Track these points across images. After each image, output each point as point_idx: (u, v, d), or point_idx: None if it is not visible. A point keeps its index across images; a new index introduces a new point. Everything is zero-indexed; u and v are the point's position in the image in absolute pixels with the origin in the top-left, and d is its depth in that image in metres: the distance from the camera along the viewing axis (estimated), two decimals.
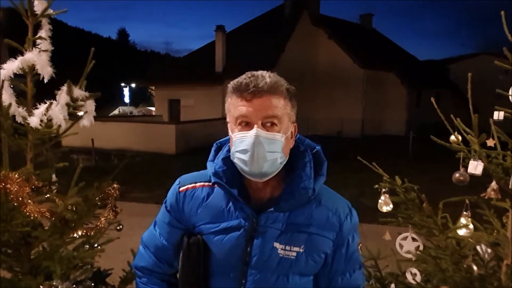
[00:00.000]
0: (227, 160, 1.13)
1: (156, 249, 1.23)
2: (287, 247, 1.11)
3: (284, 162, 1.10)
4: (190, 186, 1.19)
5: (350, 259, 1.19)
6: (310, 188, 1.10)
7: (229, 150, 1.14)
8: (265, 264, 1.10)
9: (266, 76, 1.06)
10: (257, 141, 1.02)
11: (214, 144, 1.23)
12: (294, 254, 1.11)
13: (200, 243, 1.15)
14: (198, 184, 1.18)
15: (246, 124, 1.05)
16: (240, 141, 1.05)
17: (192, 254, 1.15)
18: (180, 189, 1.19)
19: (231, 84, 1.08)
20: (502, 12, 1.75)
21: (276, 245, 1.10)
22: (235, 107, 1.07)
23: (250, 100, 1.04)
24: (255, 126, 1.03)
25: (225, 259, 1.13)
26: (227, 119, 1.12)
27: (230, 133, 1.11)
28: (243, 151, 1.04)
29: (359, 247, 1.23)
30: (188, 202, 1.17)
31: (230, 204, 1.13)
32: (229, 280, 1.13)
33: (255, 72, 1.08)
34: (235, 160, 1.08)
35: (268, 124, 1.05)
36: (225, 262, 1.13)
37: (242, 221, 1.11)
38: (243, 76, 1.08)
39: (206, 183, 1.18)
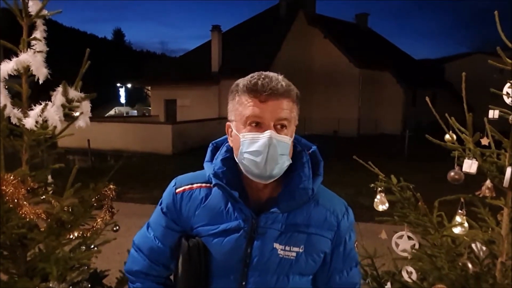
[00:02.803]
0: (226, 160, 1.12)
1: (151, 251, 1.21)
2: (287, 248, 1.11)
3: (289, 164, 1.09)
4: (187, 187, 1.17)
5: (347, 257, 1.20)
6: (310, 189, 1.11)
7: (227, 151, 1.14)
8: (266, 265, 1.10)
9: (279, 79, 1.06)
10: (271, 143, 1.02)
11: (210, 145, 1.21)
12: (294, 254, 1.11)
13: (200, 246, 1.14)
14: (195, 185, 1.17)
15: (256, 124, 1.04)
16: (251, 142, 1.03)
17: (192, 257, 1.14)
18: (177, 190, 1.17)
19: (244, 83, 1.06)
20: (496, 12, 1.77)
21: (276, 245, 1.10)
22: (245, 106, 1.05)
23: (264, 102, 1.03)
24: (268, 128, 1.03)
25: (225, 261, 1.12)
26: (232, 118, 1.10)
27: (235, 132, 1.09)
28: (256, 153, 1.03)
29: (355, 245, 1.25)
30: (186, 204, 1.15)
31: (229, 205, 1.12)
32: (230, 281, 1.13)
33: (266, 73, 1.07)
34: (244, 161, 1.06)
35: (279, 127, 1.05)
36: (225, 264, 1.12)
37: (241, 223, 1.10)
38: (255, 76, 1.06)
39: (203, 184, 1.16)
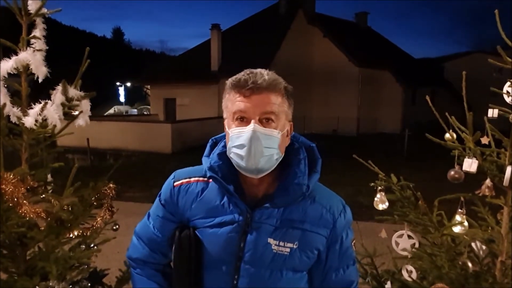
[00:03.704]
0: (223, 155, 1.14)
1: (150, 240, 1.24)
2: (281, 243, 1.12)
3: (280, 159, 1.11)
4: (184, 180, 1.20)
5: (343, 255, 1.21)
6: (304, 185, 1.11)
7: (225, 146, 1.15)
8: (259, 260, 1.11)
9: (264, 74, 1.07)
10: (254, 136, 1.03)
11: (210, 140, 1.24)
12: (288, 250, 1.12)
13: (191, 236, 1.16)
14: (192, 179, 1.20)
15: (243, 119, 1.06)
16: (237, 136, 1.06)
17: (183, 248, 1.16)
18: (175, 183, 1.20)
19: (230, 81, 1.09)
20: (496, 11, 1.76)
21: (270, 240, 1.11)
22: (232, 102, 1.08)
23: (248, 96, 1.05)
24: (252, 121, 1.04)
25: (218, 253, 1.14)
26: (224, 115, 1.13)
27: (226, 129, 1.11)
28: (240, 146, 1.05)
29: (353, 244, 1.25)
30: (183, 197, 1.18)
31: (225, 199, 1.14)
32: (222, 274, 1.14)
33: (253, 70, 1.09)
34: (232, 155, 1.09)
35: (265, 120, 1.06)
36: (218, 256, 1.14)
37: (236, 216, 1.12)
38: (242, 73, 1.09)
39: (201, 178, 1.19)
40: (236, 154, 1.07)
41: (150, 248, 1.24)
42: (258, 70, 1.09)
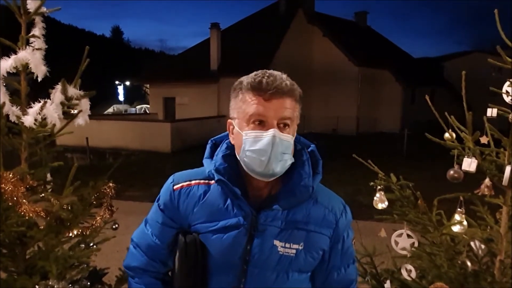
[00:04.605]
0: (228, 157, 1.13)
1: (149, 248, 1.21)
2: (287, 245, 1.11)
3: (291, 163, 1.10)
4: (185, 184, 1.17)
5: (345, 254, 1.21)
6: (310, 186, 1.11)
7: (227, 147, 1.14)
8: (266, 262, 1.11)
9: (284, 78, 1.06)
10: (274, 142, 1.02)
11: (210, 141, 1.22)
12: (294, 251, 1.12)
13: (197, 242, 1.14)
14: (193, 182, 1.17)
15: (260, 123, 1.04)
16: (255, 141, 1.04)
17: (189, 253, 1.14)
18: (175, 187, 1.17)
19: (247, 81, 1.06)
20: (496, 11, 1.77)
21: (276, 243, 1.11)
22: (248, 104, 1.05)
23: (268, 100, 1.03)
24: (271, 126, 1.03)
25: (225, 258, 1.12)
26: (234, 116, 1.10)
27: (237, 130, 1.09)
28: (259, 151, 1.03)
29: (353, 243, 1.26)
30: (184, 201, 1.16)
31: (228, 202, 1.12)
32: (229, 278, 1.13)
33: (270, 71, 1.08)
34: (246, 159, 1.06)
35: (282, 125, 1.05)
36: (224, 260, 1.13)
37: (241, 220, 1.10)
38: (259, 74, 1.06)
39: (202, 181, 1.16)
40: (252, 158, 1.04)
41: (149, 256, 1.21)
42: (276, 73, 1.07)
